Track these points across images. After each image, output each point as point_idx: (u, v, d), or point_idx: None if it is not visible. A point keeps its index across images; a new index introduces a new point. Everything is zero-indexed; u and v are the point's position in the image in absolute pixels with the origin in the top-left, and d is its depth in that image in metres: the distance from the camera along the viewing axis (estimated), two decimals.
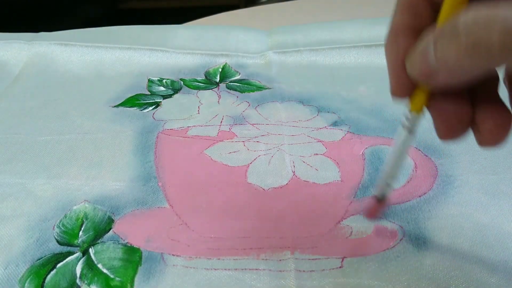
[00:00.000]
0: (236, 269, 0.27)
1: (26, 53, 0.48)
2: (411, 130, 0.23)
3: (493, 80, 0.21)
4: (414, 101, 0.21)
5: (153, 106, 0.41)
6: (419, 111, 0.21)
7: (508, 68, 0.17)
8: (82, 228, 0.29)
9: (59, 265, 0.27)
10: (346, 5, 0.62)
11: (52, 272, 0.27)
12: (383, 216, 0.29)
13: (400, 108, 0.39)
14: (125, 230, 0.29)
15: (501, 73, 0.20)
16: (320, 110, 0.40)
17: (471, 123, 0.21)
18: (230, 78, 0.45)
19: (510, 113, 0.21)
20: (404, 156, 0.24)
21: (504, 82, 0.21)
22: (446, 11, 0.19)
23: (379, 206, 0.27)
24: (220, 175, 0.33)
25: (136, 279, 0.26)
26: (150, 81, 0.44)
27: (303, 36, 0.49)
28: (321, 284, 0.26)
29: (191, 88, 0.43)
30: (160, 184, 0.33)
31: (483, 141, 0.21)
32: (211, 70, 0.46)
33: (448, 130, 0.21)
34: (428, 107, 0.21)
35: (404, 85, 0.21)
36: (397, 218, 0.29)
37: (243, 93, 0.42)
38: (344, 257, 0.27)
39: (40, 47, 0.48)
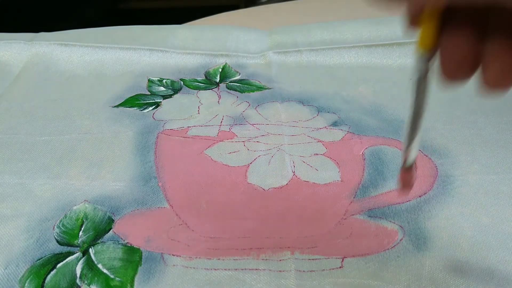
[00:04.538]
0: (236, 269, 0.27)
1: (26, 53, 0.48)
2: (422, 73, 0.20)
3: (506, 20, 0.19)
4: (421, 36, 0.19)
5: (153, 106, 0.41)
6: (427, 47, 0.19)
7: None
8: (82, 228, 0.29)
9: (59, 265, 0.27)
10: (346, 5, 0.62)
11: (52, 272, 0.27)
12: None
13: (400, 108, 0.39)
14: (125, 230, 0.29)
15: None
16: (320, 110, 0.40)
17: (478, 64, 0.19)
18: (230, 78, 0.45)
19: None
20: (420, 109, 0.21)
21: None
22: None
23: (408, 175, 0.24)
24: (220, 175, 0.33)
25: (136, 279, 0.26)
26: (150, 81, 0.44)
27: (303, 36, 0.49)
28: (321, 284, 0.26)
29: (191, 88, 0.43)
30: (160, 184, 0.33)
31: (487, 82, 0.19)
32: (211, 70, 0.46)
33: (453, 69, 0.19)
34: (435, 44, 0.19)
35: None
36: (397, 218, 0.29)
37: (243, 93, 0.42)
38: (344, 257, 0.27)
39: (40, 47, 0.48)
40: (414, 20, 0.19)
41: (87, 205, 0.31)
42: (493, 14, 0.19)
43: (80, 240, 0.29)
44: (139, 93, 0.43)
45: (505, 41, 0.19)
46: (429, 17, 0.19)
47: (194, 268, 0.27)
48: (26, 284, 0.26)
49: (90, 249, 0.28)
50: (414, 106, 0.21)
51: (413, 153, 0.23)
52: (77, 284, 0.26)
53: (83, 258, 0.28)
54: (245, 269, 0.27)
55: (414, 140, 0.22)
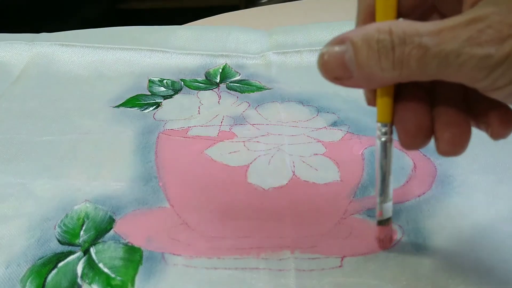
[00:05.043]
0: (236, 268, 0.27)
1: (27, 53, 0.48)
2: (383, 141, 0.23)
3: (453, 89, 0.21)
4: (379, 112, 0.22)
5: (154, 107, 0.41)
6: (385, 121, 0.22)
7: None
8: (83, 228, 0.29)
9: (60, 264, 0.27)
10: (346, 5, 0.62)
11: (53, 272, 0.27)
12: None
13: None
14: (126, 229, 0.29)
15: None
16: (319, 110, 0.40)
17: (432, 132, 0.21)
18: (230, 78, 0.45)
19: (469, 122, 0.21)
20: (388, 168, 0.24)
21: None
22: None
23: (385, 229, 0.26)
24: (221, 175, 0.33)
25: (137, 278, 0.26)
26: (150, 81, 0.45)
27: (303, 36, 0.49)
28: (321, 283, 0.26)
29: (191, 88, 0.44)
30: (160, 184, 0.33)
31: (441, 150, 0.21)
32: (211, 70, 0.46)
33: (409, 139, 0.21)
34: (392, 117, 0.22)
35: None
36: (396, 218, 0.30)
37: (243, 94, 0.42)
38: (344, 257, 0.27)
39: (41, 48, 0.48)
40: (370, 99, 0.23)
41: (88, 205, 0.31)
42: (438, 87, 0.21)
43: (81, 239, 0.29)
44: (139, 93, 0.43)
45: (451, 113, 0.21)
46: (383, 94, 0.21)
47: (194, 267, 0.27)
48: (27, 284, 0.26)
49: (91, 249, 0.28)
50: (381, 166, 0.24)
51: (388, 208, 0.25)
52: (78, 283, 0.26)
53: (84, 257, 0.28)
54: (245, 268, 0.27)
55: (387, 196, 0.25)
